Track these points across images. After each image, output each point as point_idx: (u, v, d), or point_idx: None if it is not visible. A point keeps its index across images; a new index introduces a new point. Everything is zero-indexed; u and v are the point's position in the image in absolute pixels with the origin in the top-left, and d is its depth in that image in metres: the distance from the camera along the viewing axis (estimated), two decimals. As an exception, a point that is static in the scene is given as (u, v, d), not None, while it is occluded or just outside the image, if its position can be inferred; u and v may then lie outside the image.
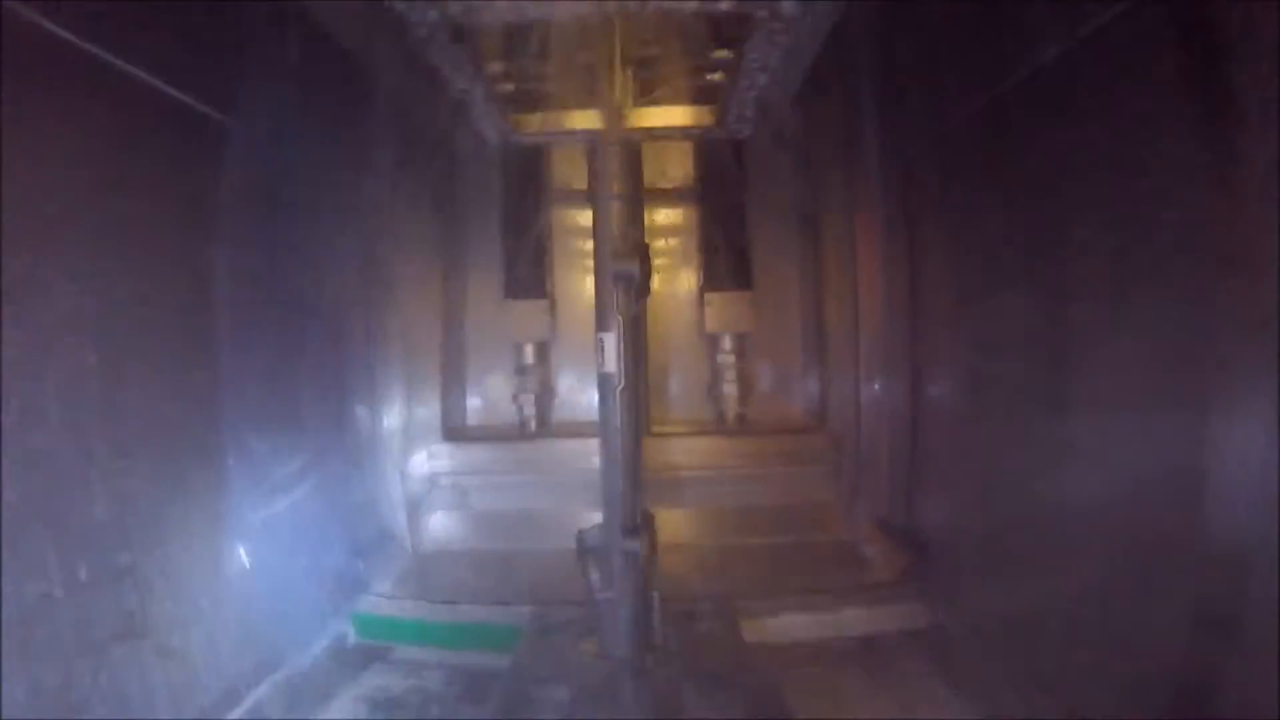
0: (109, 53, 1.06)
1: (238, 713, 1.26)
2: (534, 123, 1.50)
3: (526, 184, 2.20)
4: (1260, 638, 0.82)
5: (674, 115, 1.49)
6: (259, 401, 1.44)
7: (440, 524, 2.08)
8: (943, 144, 1.63)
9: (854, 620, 1.66)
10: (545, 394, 2.21)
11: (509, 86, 1.37)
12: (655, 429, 2.14)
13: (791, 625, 1.65)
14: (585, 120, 1.44)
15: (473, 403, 2.29)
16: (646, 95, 1.57)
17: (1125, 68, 1.06)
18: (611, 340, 1.30)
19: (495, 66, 1.33)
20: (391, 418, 1.97)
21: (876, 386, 1.94)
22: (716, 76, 1.37)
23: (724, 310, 2.20)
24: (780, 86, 1.30)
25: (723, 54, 1.31)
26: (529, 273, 2.17)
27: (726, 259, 2.22)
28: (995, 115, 1.41)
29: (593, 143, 1.44)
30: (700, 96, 1.48)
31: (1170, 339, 1.00)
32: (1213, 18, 0.90)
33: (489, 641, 1.61)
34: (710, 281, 2.23)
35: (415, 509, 2.02)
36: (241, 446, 1.38)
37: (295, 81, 1.41)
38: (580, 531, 1.35)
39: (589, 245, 1.31)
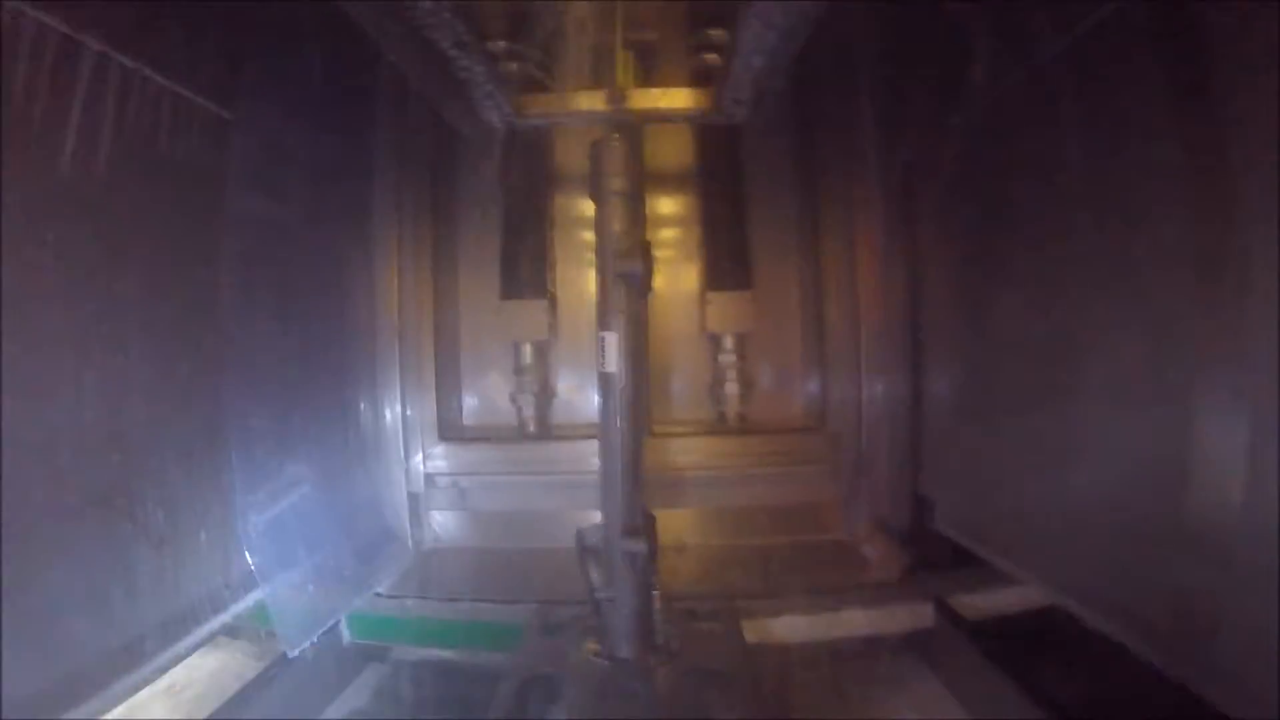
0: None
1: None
2: (537, 105, 1.49)
3: (528, 175, 2.19)
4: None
5: (672, 98, 1.48)
6: (267, 399, 1.46)
7: (439, 523, 2.08)
8: (944, 143, 1.64)
9: (855, 620, 1.66)
10: (545, 394, 2.21)
11: (513, 66, 1.37)
12: (656, 429, 2.14)
13: (792, 625, 1.65)
14: (588, 102, 1.44)
15: (470, 402, 2.28)
16: (646, 78, 1.56)
17: (1122, 68, 1.06)
18: (613, 340, 1.30)
19: (499, 45, 1.32)
20: (393, 417, 1.98)
21: (877, 386, 1.95)
22: (712, 58, 1.36)
23: (726, 310, 2.20)
24: (776, 70, 1.29)
25: (718, 34, 1.31)
26: (529, 271, 2.17)
27: (728, 259, 2.22)
28: (995, 115, 1.41)
29: (596, 124, 1.43)
30: (697, 80, 1.48)
31: (1168, 338, 1.01)
32: (1202, 21, 0.90)
33: (488, 640, 1.61)
34: (712, 281, 2.23)
35: (415, 508, 2.02)
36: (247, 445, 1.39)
37: (298, 74, 1.41)
38: (579, 530, 1.35)
39: (591, 240, 1.31)
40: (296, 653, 1.39)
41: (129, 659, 1.12)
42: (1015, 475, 1.44)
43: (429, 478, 2.02)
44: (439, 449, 2.04)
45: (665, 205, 2.34)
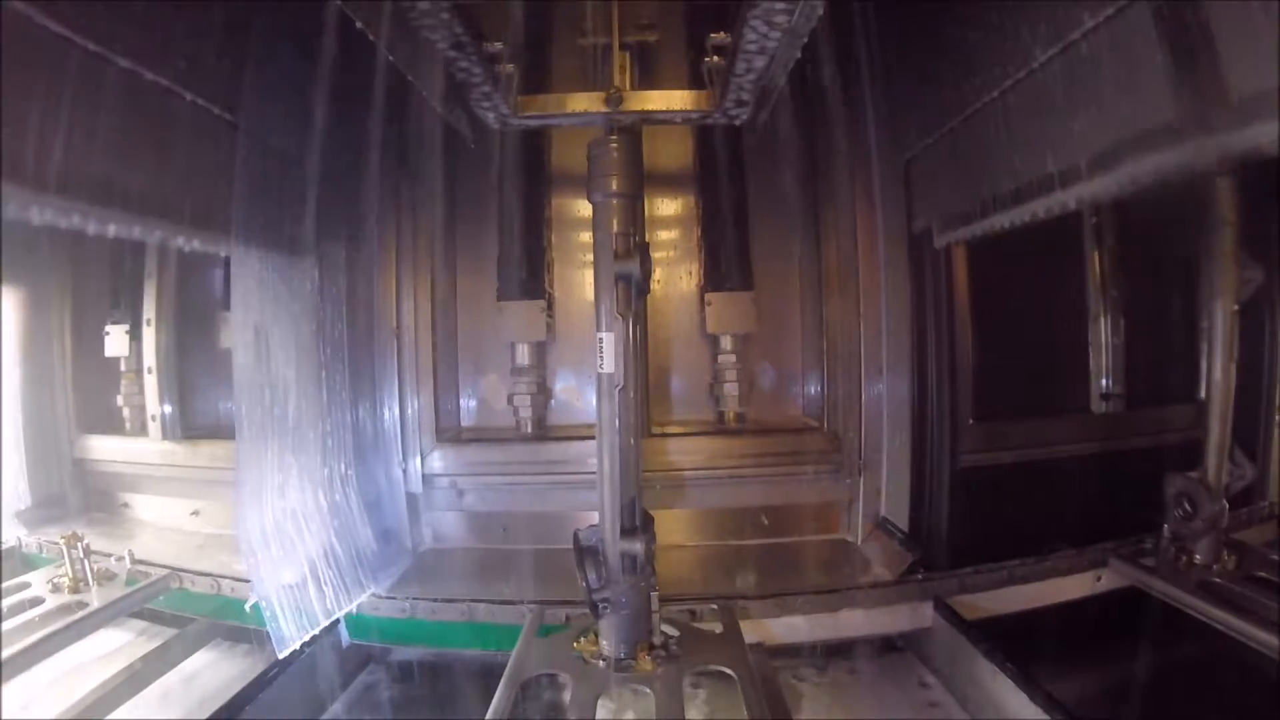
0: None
1: None
2: (535, 105, 1.49)
3: (526, 175, 2.18)
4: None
5: (672, 99, 1.48)
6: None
7: (437, 524, 2.08)
8: (944, 142, 1.64)
9: (855, 620, 1.66)
10: (543, 395, 2.21)
11: (509, 67, 1.37)
12: (656, 429, 2.14)
13: (792, 625, 1.65)
14: (586, 103, 1.44)
15: (469, 404, 2.28)
16: (645, 78, 1.55)
17: (1118, 68, 1.06)
18: (611, 340, 1.30)
19: (497, 46, 1.32)
20: (391, 418, 1.98)
21: (877, 386, 1.94)
22: (714, 60, 1.36)
23: (725, 311, 2.19)
24: (779, 70, 1.29)
25: (719, 37, 1.31)
26: (527, 272, 2.17)
27: (727, 259, 2.22)
28: (994, 114, 1.41)
29: (594, 125, 1.43)
30: (699, 80, 1.48)
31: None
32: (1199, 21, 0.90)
33: (487, 641, 1.61)
34: (712, 282, 2.22)
35: (414, 508, 2.02)
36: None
37: (298, 75, 1.41)
38: (577, 531, 1.35)
39: (589, 241, 1.31)
40: (288, 653, 1.39)
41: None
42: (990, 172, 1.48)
43: (427, 479, 2.03)
44: (437, 450, 2.04)
45: (665, 205, 2.33)
